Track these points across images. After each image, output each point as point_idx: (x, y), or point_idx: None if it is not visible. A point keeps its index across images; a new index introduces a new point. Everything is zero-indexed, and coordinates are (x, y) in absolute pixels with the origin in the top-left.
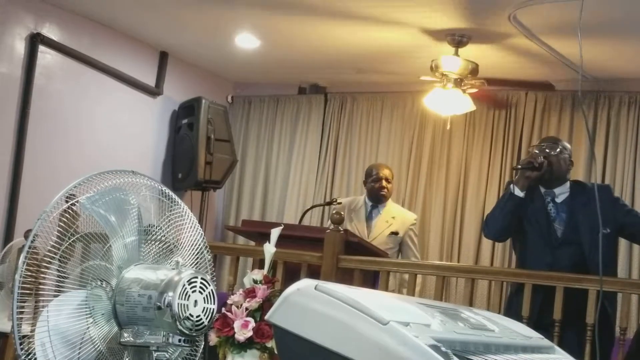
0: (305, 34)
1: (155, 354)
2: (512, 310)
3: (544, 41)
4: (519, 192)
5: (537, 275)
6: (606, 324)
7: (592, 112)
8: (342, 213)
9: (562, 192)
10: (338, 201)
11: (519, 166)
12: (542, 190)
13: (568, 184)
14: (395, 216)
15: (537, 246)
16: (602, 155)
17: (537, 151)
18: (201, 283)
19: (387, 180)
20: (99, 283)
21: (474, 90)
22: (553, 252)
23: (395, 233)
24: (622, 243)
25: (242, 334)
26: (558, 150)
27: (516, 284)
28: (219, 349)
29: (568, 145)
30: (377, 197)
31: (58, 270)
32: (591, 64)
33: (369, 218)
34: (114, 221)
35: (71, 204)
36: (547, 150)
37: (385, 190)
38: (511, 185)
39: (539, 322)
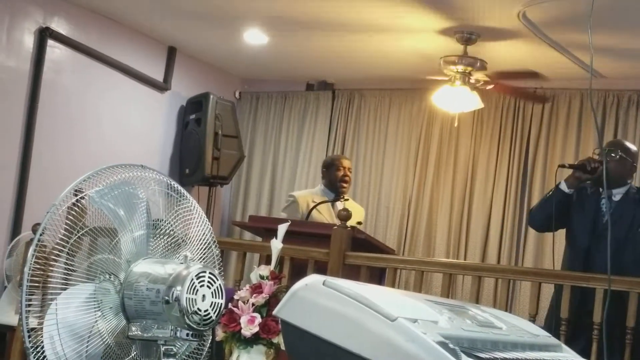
0: (313, 30)
1: (162, 348)
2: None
3: (553, 39)
4: (565, 188)
5: (544, 274)
6: None
7: (600, 110)
8: (304, 211)
9: (619, 193)
10: (345, 198)
11: (567, 165)
12: (601, 189)
13: (628, 186)
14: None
15: (582, 232)
16: None
17: (595, 156)
18: (209, 277)
19: (349, 170)
20: (108, 277)
21: (504, 87)
22: (597, 239)
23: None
24: None
25: (248, 330)
26: (618, 156)
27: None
28: (225, 345)
29: (633, 149)
30: (338, 189)
31: (66, 264)
32: (600, 62)
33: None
34: (123, 215)
35: (80, 198)
36: (609, 154)
37: (348, 178)
38: (561, 181)
39: (577, 323)
